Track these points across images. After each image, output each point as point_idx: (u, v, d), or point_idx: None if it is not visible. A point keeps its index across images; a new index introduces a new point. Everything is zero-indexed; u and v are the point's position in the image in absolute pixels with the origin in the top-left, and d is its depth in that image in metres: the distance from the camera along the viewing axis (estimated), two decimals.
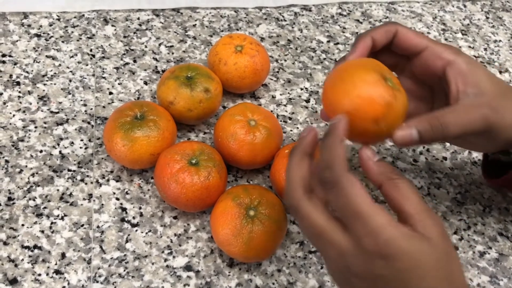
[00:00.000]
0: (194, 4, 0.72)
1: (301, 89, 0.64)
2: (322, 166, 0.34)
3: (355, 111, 0.37)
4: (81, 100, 0.59)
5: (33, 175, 0.52)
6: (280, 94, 0.63)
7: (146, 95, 0.60)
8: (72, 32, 0.66)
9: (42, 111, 0.57)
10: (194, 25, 0.69)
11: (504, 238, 0.54)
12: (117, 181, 0.53)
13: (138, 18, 0.69)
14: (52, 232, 0.49)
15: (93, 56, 0.63)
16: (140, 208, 0.51)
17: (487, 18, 0.79)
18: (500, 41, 0.75)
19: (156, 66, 0.63)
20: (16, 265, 0.46)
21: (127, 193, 0.52)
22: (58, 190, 0.51)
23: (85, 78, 0.61)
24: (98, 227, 0.49)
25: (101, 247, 0.48)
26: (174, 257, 0.48)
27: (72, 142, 0.55)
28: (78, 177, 0.53)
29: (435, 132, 0.40)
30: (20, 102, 0.58)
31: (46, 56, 0.63)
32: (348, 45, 0.70)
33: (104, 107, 0.58)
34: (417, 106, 0.47)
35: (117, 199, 0.51)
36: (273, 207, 0.46)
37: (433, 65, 0.44)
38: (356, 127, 0.37)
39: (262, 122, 0.52)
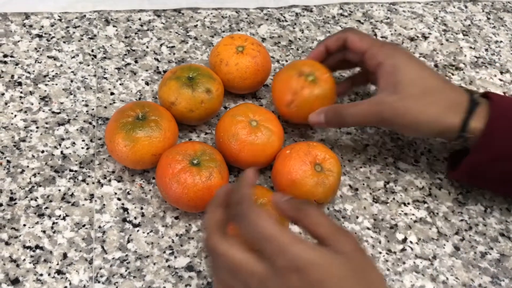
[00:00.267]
0: (195, 5, 0.72)
1: None
2: (233, 204, 0.37)
3: (277, 99, 0.56)
4: (83, 100, 0.59)
5: (34, 175, 0.52)
6: None
7: (147, 96, 0.60)
8: (74, 32, 0.66)
9: (43, 111, 0.57)
10: (196, 26, 0.69)
11: (505, 239, 0.54)
12: (118, 181, 0.53)
13: (140, 19, 0.69)
14: (54, 232, 0.49)
15: (95, 56, 0.64)
16: (141, 208, 0.51)
17: (488, 18, 0.79)
18: (501, 41, 0.76)
19: (158, 67, 0.64)
20: (18, 265, 0.46)
21: (128, 193, 0.52)
22: (59, 190, 0.51)
23: (87, 78, 0.61)
24: (99, 227, 0.49)
25: (102, 247, 0.48)
26: (175, 257, 0.48)
27: (74, 143, 0.55)
28: (80, 177, 0.53)
29: (336, 120, 0.53)
30: (22, 103, 0.58)
31: (48, 56, 0.63)
32: None
33: (105, 107, 0.58)
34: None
35: (119, 199, 0.51)
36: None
37: (370, 65, 0.53)
38: (281, 110, 0.56)
39: (264, 122, 0.52)
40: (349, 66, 0.61)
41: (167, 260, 0.48)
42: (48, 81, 0.60)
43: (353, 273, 0.34)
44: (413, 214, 0.54)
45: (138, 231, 0.49)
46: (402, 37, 0.74)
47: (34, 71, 0.61)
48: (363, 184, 0.56)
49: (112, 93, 0.60)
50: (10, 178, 0.52)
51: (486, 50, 0.74)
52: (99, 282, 0.46)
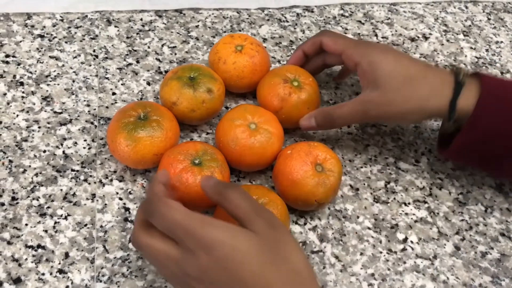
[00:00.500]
0: (197, 5, 0.72)
1: None
2: (146, 203, 0.40)
3: (264, 104, 0.56)
4: (85, 100, 0.59)
5: (36, 175, 0.52)
6: None
7: (149, 96, 0.61)
8: (76, 32, 0.66)
9: (45, 111, 0.58)
10: (197, 26, 0.70)
11: (506, 239, 0.54)
12: (120, 181, 0.53)
13: (141, 19, 0.69)
14: (56, 231, 0.49)
15: (96, 56, 0.64)
16: None
17: (489, 19, 0.79)
18: (501, 42, 0.76)
19: (159, 67, 0.64)
20: (20, 265, 0.46)
21: (130, 193, 0.52)
22: (61, 190, 0.52)
23: (88, 78, 0.61)
24: (101, 226, 0.49)
25: (104, 246, 0.48)
26: None
27: (76, 142, 0.55)
28: (82, 177, 0.53)
29: (327, 123, 0.55)
30: (24, 102, 0.58)
31: (50, 56, 0.63)
32: None
33: (107, 107, 0.59)
34: None
35: (120, 199, 0.52)
36: (276, 207, 0.46)
37: (348, 65, 0.55)
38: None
39: (263, 124, 0.52)
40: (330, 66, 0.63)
41: None
42: (50, 81, 0.60)
43: (262, 248, 0.36)
44: (413, 214, 0.54)
45: None
46: (403, 37, 0.74)
47: (36, 71, 0.61)
48: (364, 184, 0.56)
49: (113, 93, 0.60)
50: (12, 178, 0.52)
51: (487, 50, 0.74)
52: (100, 281, 0.46)
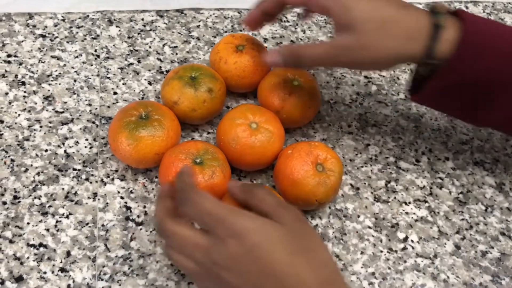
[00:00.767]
0: (198, 5, 0.72)
1: None
2: (178, 191, 0.41)
3: (264, 104, 0.57)
4: (86, 100, 0.59)
5: (38, 174, 0.53)
6: None
7: (150, 95, 0.61)
8: (77, 32, 0.66)
9: (47, 110, 0.58)
10: (198, 26, 0.70)
11: (506, 238, 0.54)
12: (121, 180, 0.53)
13: (142, 19, 0.69)
14: (57, 230, 0.49)
15: (98, 56, 0.64)
16: (144, 207, 0.51)
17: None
18: None
19: (160, 67, 0.64)
20: (21, 263, 0.47)
21: (131, 192, 0.52)
22: (63, 189, 0.52)
23: (90, 78, 0.61)
24: (103, 225, 0.50)
25: (106, 245, 0.48)
26: None
27: (77, 142, 0.56)
28: (83, 176, 0.53)
29: (293, 61, 0.50)
30: (26, 102, 0.58)
31: (51, 56, 0.63)
32: None
33: (108, 107, 0.59)
34: None
35: (122, 198, 0.52)
36: None
37: (318, 12, 0.51)
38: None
39: (264, 124, 0.52)
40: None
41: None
42: (52, 80, 0.61)
43: (290, 239, 0.37)
44: (414, 213, 0.55)
45: (141, 229, 0.50)
46: None
47: (37, 70, 0.61)
48: (365, 183, 0.56)
49: (115, 93, 0.60)
50: (14, 177, 0.52)
51: None
52: (102, 280, 0.46)
